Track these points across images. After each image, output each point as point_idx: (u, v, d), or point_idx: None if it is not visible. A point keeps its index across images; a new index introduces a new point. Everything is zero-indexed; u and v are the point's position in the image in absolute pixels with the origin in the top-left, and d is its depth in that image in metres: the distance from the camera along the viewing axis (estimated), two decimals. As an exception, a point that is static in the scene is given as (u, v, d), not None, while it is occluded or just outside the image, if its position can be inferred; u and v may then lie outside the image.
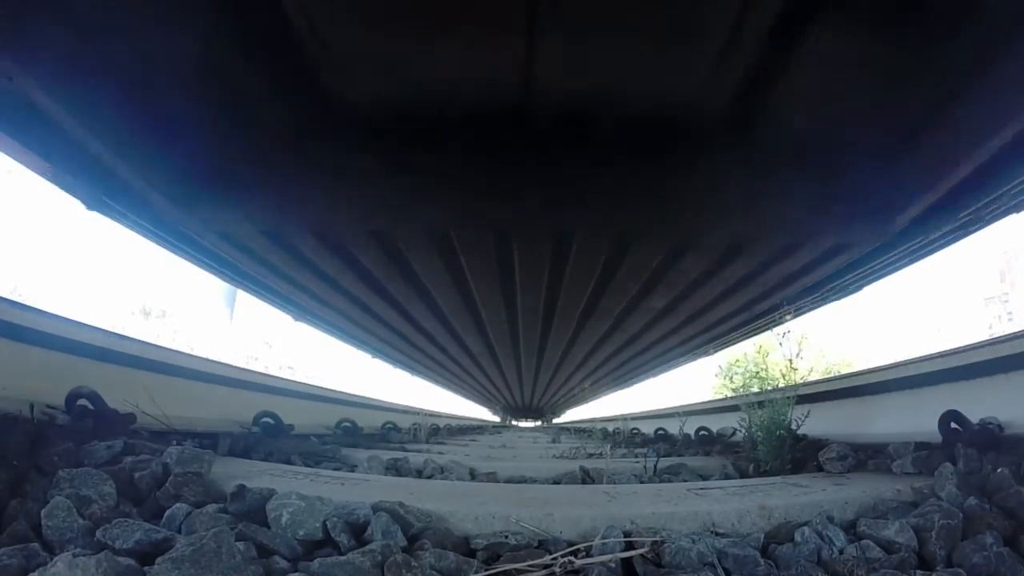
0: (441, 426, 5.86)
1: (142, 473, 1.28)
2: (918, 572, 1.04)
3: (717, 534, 1.18)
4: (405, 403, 6.66)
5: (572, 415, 15.05)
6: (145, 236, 2.53)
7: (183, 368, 2.67)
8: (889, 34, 1.34)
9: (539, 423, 15.68)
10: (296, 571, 0.97)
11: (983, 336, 2.12)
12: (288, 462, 2.05)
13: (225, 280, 3.43)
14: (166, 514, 1.11)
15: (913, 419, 2.08)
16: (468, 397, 12.43)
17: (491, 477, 2.04)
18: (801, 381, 2.32)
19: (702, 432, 3.67)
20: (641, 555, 1.06)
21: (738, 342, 4.95)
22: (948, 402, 1.85)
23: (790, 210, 1.92)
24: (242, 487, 1.21)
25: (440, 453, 2.92)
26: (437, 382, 9.93)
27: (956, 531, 1.13)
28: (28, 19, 1.27)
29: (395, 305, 3.55)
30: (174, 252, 2.78)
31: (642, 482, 1.98)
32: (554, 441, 5.41)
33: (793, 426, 2.14)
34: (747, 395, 2.96)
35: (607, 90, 1.58)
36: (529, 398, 12.56)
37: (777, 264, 2.58)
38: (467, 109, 1.67)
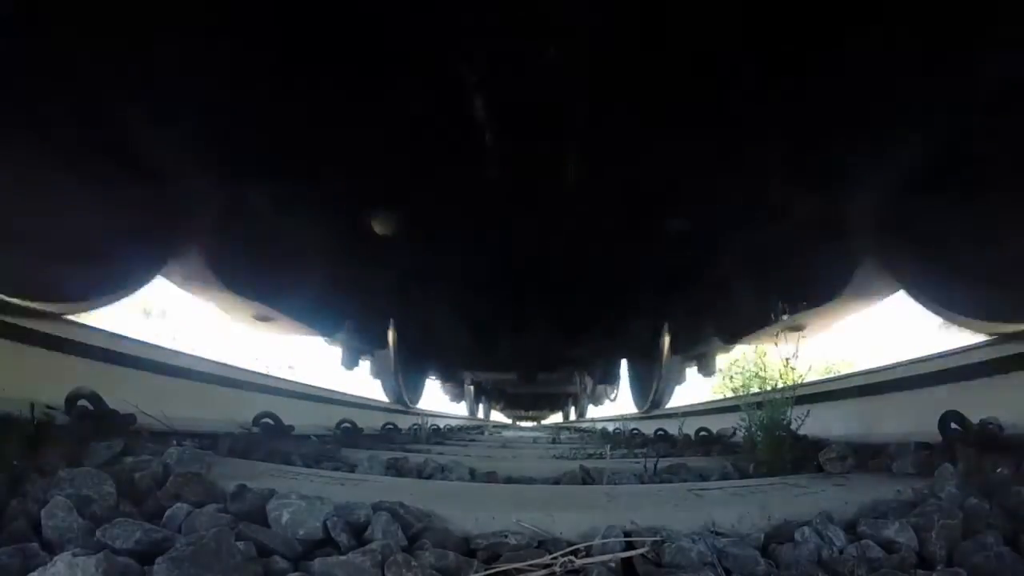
0: (441, 426, 5.86)
1: (142, 473, 1.28)
2: (918, 571, 1.04)
3: (717, 534, 1.18)
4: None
5: (572, 415, 15.04)
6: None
7: (183, 368, 2.67)
8: None
9: (538, 423, 15.70)
10: (296, 570, 0.97)
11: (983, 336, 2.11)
12: (288, 462, 2.04)
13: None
14: (166, 514, 1.11)
15: (913, 419, 2.08)
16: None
17: (491, 477, 2.04)
18: (800, 381, 2.32)
19: (702, 432, 3.67)
20: (641, 555, 1.05)
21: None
22: (948, 402, 1.84)
23: None
24: (242, 487, 1.21)
25: (440, 453, 2.92)
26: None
27: (956, 531, 1.12)
28: None
29: None
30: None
31: (642, 482, 1.98)
32: (554, 441, 5.42)
33: (793, 426, 2.14)
34: (747, 395, 2.97)
35: None
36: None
37: None
38: None
